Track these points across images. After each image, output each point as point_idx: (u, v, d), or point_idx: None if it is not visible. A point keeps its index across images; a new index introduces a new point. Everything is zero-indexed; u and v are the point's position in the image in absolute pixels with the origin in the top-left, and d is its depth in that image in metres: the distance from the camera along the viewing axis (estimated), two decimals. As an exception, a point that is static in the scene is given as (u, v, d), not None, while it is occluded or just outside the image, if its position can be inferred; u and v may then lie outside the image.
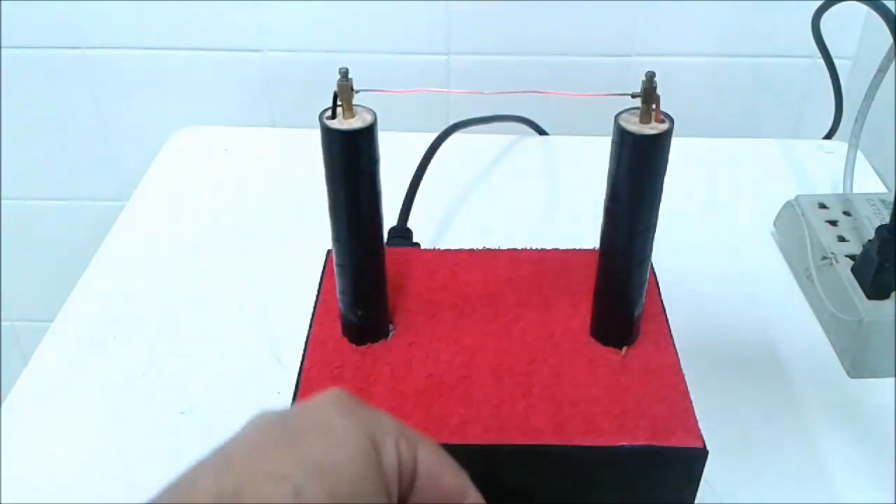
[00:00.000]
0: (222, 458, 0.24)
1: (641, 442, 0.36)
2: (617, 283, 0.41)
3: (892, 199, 0.55)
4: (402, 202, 0.57)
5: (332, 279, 0.42)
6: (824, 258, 0.52)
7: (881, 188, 0.64)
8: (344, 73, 0.37)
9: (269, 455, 0.24)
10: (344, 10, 0.71)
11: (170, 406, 0.47)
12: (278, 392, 0.46)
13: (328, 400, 0.26)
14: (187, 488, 0.23)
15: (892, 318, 0.47)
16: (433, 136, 0.65)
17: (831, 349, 0.51)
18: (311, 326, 0.42)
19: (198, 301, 0.54)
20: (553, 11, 0.70)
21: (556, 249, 0.48)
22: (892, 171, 0.66)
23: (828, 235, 0.54)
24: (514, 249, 0.48)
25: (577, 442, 0.37)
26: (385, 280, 0.42)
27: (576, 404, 0.38)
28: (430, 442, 0.28)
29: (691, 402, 0.38)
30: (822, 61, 0.64)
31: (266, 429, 0.25)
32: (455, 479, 0.28)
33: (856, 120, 0.59)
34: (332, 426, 0.25)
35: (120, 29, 0.72)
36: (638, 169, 0.37)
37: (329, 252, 0.44)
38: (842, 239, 0.53)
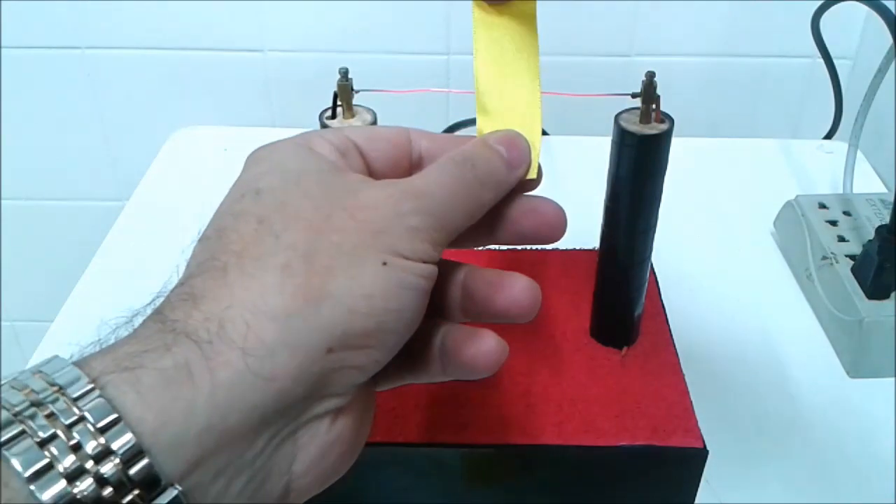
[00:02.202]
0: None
1: (641, 442, 0.36)
2: (617, 283, 0.41)
3: (892, 199, 0.55)
4: (402, 202, 0.57)
5: (332, 279, 0.42)
6: (824, 258, 0.52)
7: (881, 188, 0.64)
8: (344, 73, 0.37)
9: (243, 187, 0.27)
10: (344, 10, 0.71)
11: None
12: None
13: (248, 157, 0.29)
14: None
15: (892, 318, 0.47)
16: (433, 136, 0.65)
17: (831, 349, 0.51)
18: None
19: (198, 301, 0.54)
20: (553, 11, 0.70)
21: (556, 249, 0.48)
22: (892, 171, 0.66)
23: (828, 235, 0.54)
24: (514, 249, 0.48)
25: (576, 442, 0.37)
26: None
27: (576, 404, 0.38)
28: (355, 126, 0.33)
29: (691, 402, 0.38)
30: (822, 61, 0.64)
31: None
32: (389, 129, 0.30)
33: (856, 120, 0.59)
34: (258, 155, 0.28)
35: (120, 29, 0.72)
36: (638, 169, 0.37)
37: (329, 252, 0.44)
38: (842, 239, 0.53)
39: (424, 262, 0.26)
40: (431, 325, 0.29)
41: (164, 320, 0.23)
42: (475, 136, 0.31)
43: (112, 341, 0.24)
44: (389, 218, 0.25)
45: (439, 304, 0.29)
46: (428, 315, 0.27)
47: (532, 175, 0.30)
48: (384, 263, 0.25)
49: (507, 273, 0.29)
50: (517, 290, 0.29)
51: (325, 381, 0.24)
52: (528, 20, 0.32)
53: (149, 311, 0.25)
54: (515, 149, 0.29)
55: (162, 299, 0.25)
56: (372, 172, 0.29)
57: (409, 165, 0.30)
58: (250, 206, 0.26)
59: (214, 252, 0.25)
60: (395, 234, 0.25)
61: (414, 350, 0.28)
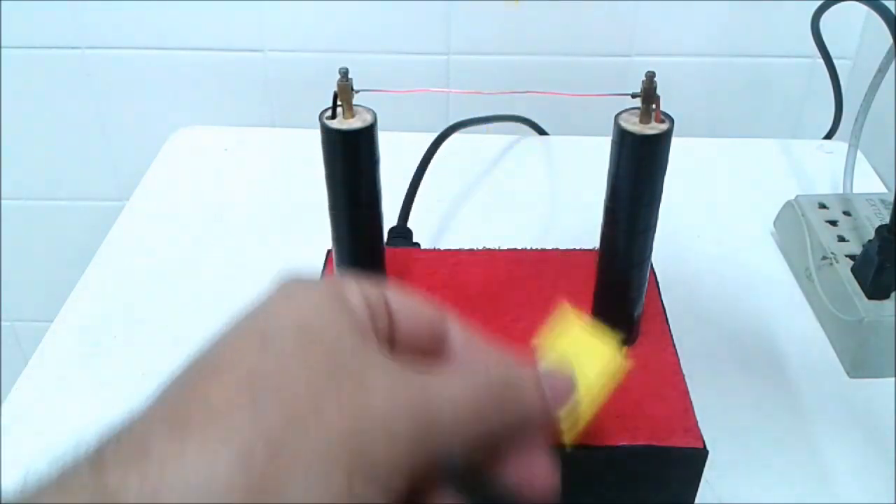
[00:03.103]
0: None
1: (641, 442, 0.36)
2: (617, 283, 0.41)
3: (892, 199, 0.55)
4: (402, 202, 0.57)
5: (332, 279, 0.42)
6: (824, 258, 0.52)
7: (881, 188, 0.64)
8: (344, 73, 0.37)
9: (241, 322, 0.25)
10: (344, 10, 0.71)
11: (170, 406, 0.47)
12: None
13: (280, 283, 0.26)
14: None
15: (892, 318, 0.47)
16: (433, 136, 0.65)
17: (831, 349, 0.51)
18: (311, 326, 0.42)
19: (198, 301, 0.54)
20: (553, 11, 0.70)
21: (556, 249, 0.48)
22: (892, 171, 0.66)
23: (828, 235, 0.54)
24: (514, 249, 0.48)
25: (577, 442, 0.36)
26: (385, 280, 0.42)
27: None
28: (399, 287, 0.29)
29: (691, 402, 0.38)
30: (822, 61, 0.64)
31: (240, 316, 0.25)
32: (429, 307, 0.28)
33: (856, 120, 0.59)
34: (293, 296, 0.25)
35: (120, 29, 0.72)
36: (638, 169, 0.37)
37: (329, 252, 0.44)
38: (842, 239, 0.53)
39: (395, 493, 0.22)
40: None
41: (100, 477, 0.20)
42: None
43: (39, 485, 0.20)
44: (383, 441, 0.22)
45: None
46: None
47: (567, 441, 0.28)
48: (350, 488, 0.21)
49: None
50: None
51: None
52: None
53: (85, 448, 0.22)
54: (562, 401, 0.28)
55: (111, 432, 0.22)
56: (393, 341, 0.27)
57: (435, 351, 0.28)
58: (250, 355, 0.23)
59: (189, 398, 0.22)
60: (381, 458, 0.22)
61: None
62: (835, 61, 0.63)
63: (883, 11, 0.49)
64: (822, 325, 0.52)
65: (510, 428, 0.26)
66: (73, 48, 0.73)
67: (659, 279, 0.46)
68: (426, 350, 0.28)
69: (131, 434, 0.21)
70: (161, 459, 0.20)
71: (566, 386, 0.28)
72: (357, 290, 0.26)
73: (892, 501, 0.42)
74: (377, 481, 0.22)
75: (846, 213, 0.56)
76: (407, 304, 0.27)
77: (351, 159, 0.37)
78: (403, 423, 0.23)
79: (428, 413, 0.23)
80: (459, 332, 0.28)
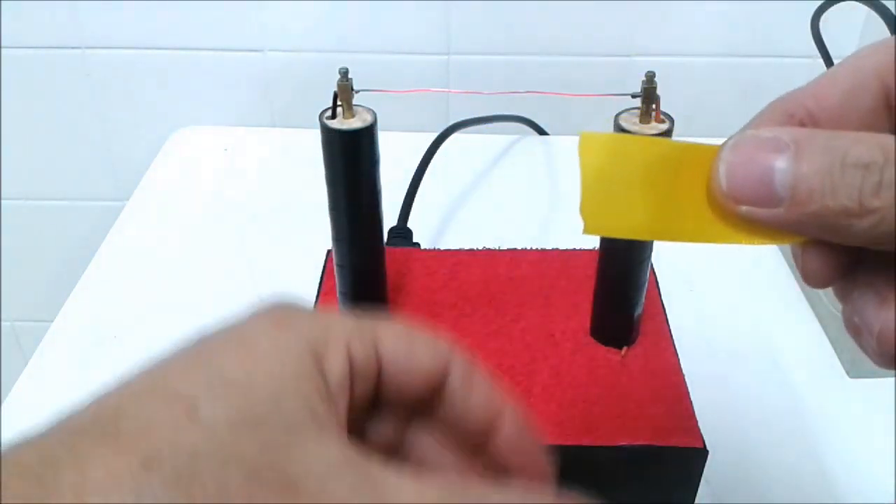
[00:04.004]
0: (125, 381, 0.20)
1: (641, 442, 0.36)
2: (617, 283, 0.41)
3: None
4: (402, 202, 0.57)
5: (332, 279, 0.42)
6: (824, 258, 0.52)
7: (881, 188, 0.64)
8: (344, 73, 0.37)
9: (169, 373, 0.20)
10: (344, 10, 0.71)
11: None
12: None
13: (259, 312, 0.22)
14: (76, 412, 0.20)
15: (892, 318, 0.47)
16: (433, 136, 0.65)
17: (831, 349, 0.51)
18: (311, 326, 0.42)
19: (197, 301, 0.54)
20: (553, 11, 0.70)
21: (556, 249, 0.48)
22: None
23: (828, 235, 0.54)
24: (514, 249, 0.48)
25: (577, 442, 0.37)
26: (385, 280, 0.42)
27: (576, 404, 0.38)
28: (397, 328, 0.23)
29: (691, 402, 0.38)
30: (822, 61, 0.64)
31: (183, 348, 0.21)
32: (429, 356, 0.23)
33: (856, 120, 0.59)
34: (255, 339, 0.21)
35: (120, 29, 0.72)
36: (638, 169, 0.37)
37: (329, 252, 0.44)
38: (842, 239, 0.53)
39: None
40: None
41: None
42: (517, 427, 0.24)
43: None
44: None
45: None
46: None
47: None
48: None
49: None
50: None
51: None
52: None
53: None
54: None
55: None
56: (379, 396, 0.23)
57: (432, 397, 0.24)
58: (164, 427, 0.18)
59: (63, 464, 0.18)
60: None
61: None
62: (835, 61, 0.63)
63: (883, 11, 0.49)
64: (822, 325, 0.52)
65: None
66: (73, 48, 0.73)
67: (659, 279, 0.46)
68: (419, 400, 0.24)
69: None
70: None
71: None
72: (342, 353, 0.21)
73: (893, 502, 0.42)
74: None
75: (846, 213, 0.56)
76: (405, 367, 0.23)
77: (351, 159, 0.37)
78: None
79: None
80: (462, 379, 0.23)
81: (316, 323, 0.22)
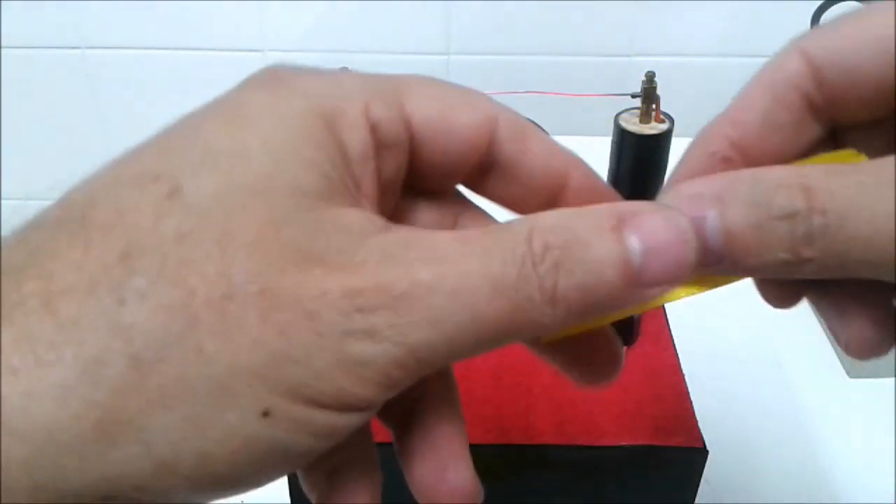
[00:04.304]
0: (94, 172, 0.17)
1: (641, 442, 0.36)
2: (617, 283, 0.41)
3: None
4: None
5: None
6: (824, 258, 0.52)
7: (881, 188, 0.64)
8: (344, 73, 0.37)
9: (144, 155, 0.17)
10: (344, 10, 0.71)
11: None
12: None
13: (251, 78, 0.18)
14: (40, 212, 0.17)
15: (892, 318, 0.47)
16: (433, 136, 0.65)
17: (831, 349, 0.51)
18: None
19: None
20: (553, 11, 0.70)
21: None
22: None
23: (828, 235, 0.53)
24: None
25: (577, 442, 0.37)
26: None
27: (576, 404, 0.38)
28: (426, 82, 0.19)
29: (691, 402, 0.38)
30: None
31: (160, 130, 0.17)
32: (469, 111, 0.19)
33: (856, 120, 0.59)
34: (246, 105, 0.17)
35: (120, 29, 0.72)
36: (638, 169, 0.37)
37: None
38: (842, 239, 0.53)
39: (350, 410, 0.16)
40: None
41: None
42: (587, 175, 0.21)
43: None
44: (326, 337, 0.15)
45: None
46: None
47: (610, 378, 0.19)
48: (265, 413, 0.15)
49: (455, 453, 0.20)
50: (450, 483, 0.19)
51: None
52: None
53: None
54: (661, 254, 0.17)
55: None
56: (415, 170, 0.19)
57: (476, 169, 0.20)
58: (142, 213, 0.15)
59: (25, 267, 0.15)
60: (319, 366, 0.15)
61: None
62: (835, 61, 0.63)
63: (883, 11, 0.49)
64: (822, 326, 0.52)
65: (562, 316, 0.16)
66: (73, 48, 0.73)
67: (659, 279, 0.46)
68: (466, 172, 0.20)
69: None
70: None
71: (675, 249, 0.17)
72: (360, 119, 0.17)
73: (893, 502, 0.42)
74: (301, 409, 0.15)
75: (846, 213, 0.56)
76: (441, 125, 0.19)
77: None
78: (364, 318, 0.15)
79: (406, 297, 0.15)
80: (512, 137, 0.19)
81: (324, 83, 0.18)
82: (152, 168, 0.16)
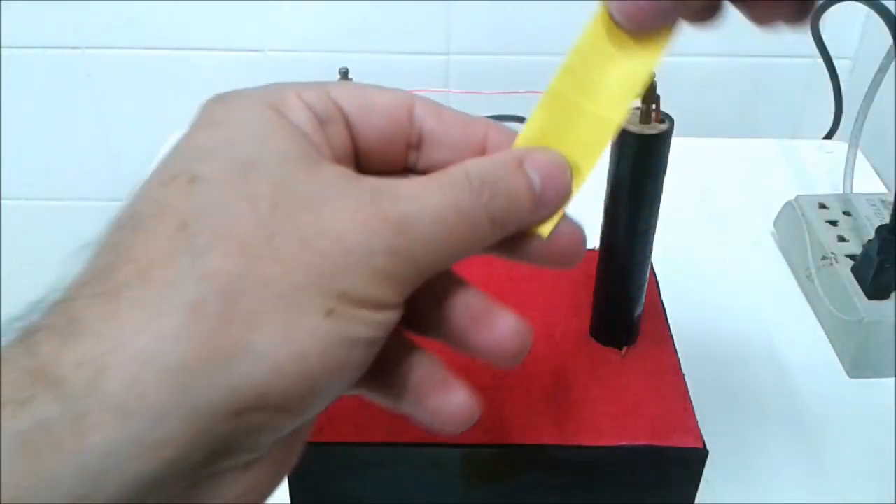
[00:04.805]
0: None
1: (641, 442, 0.36)
2: (617, 283, 0.41)
3: (892, 199, 0.55)
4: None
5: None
6: (824, 258, 0.52)
7: (881, 188, 0.64)
8: (344, 73, 0.37)
9: (154, 175, 0.21)
10: (344, 10, 0.71)
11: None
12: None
13: (204, 106, 0.23)
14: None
15: (892, 318, 0.47)
16: (433, 136, 0.65)
17: (831, 349, 0.51)
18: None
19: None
20: (553, 11, 0.70)
21: (556, 249, 0.48)
22: (892, 171, 0.66)
23: (828, 235, 0.54)
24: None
25: (577, 442, 0.37)
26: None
27: (576, 404, 0.38)
28: (345, 82, 0.26)
29: (691, 402, 0.38)
30: (822, 61, 0.64)
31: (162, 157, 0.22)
32: (384, 94, 0.24)
33: (856, 120, 0.59)
34: (213, 118, 0.22)
35: (120, 29, 0.72)
36: (638, 169, 0.37)
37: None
38: (842, 239, 0.53)
39: (384, 309, 0.21)
40: (401, 343, 0.24)
41: (31, 352, 0.18)
42: (500, 132, 0.25)
43: None
44: (353, 253, 0.20)
45: (413, 318, 0.24)
46: (401, 325, 0.22)
47: (543, 232, 0.24)
48: (329, 313, 0.19)
49: (495, 307, 0.24)
50: (501, 331, 0.23)
51: (230, 443, 0.19)
52: (651, 56, 0.27)
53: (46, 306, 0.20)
54: (554, 184, 0.23)
55: (57, 296, 0.20)
56: (357, 148, 0.24)
57: (406, 145, 0.24)
58: (177, 198, 0.20)
59: (115, 260, 0.19)
60: (354, 276, 0.20)
61: (375, 369, 0.22)
62: (835, 61, 0.63)
63: (883, 11, 0.49)
64: (822, 326, 0.52)
65: (501, 231, 0.23)
66: (73, 48, 0.73)
67: (659, 279, 0.46)
68: (397, 149, 0.24)
69: (59, 309, 0.19)
70: (97, 334, 0.18)
71: (560, 181, 0.23)
72: (297, 101, 0.22)
73: (893, 501, 0.42)
74: (352, 308, 0.20)
75: (846, 213, 0.56)
76: (362, 102, 0.23)
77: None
78: (376, 239, 0.20)
79: (402, 224, 0.20)
80: (428, 115, 0.24)
81: (259, 90, 0.23)
82: (168, 172, 0.21)
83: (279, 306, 0.19)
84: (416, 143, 0.24)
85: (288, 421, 0.20)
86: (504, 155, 0.23)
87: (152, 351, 0.18)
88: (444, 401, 0.24)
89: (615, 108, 0.25)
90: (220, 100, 0.22)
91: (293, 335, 0.19)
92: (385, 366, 0.23)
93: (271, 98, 0.22)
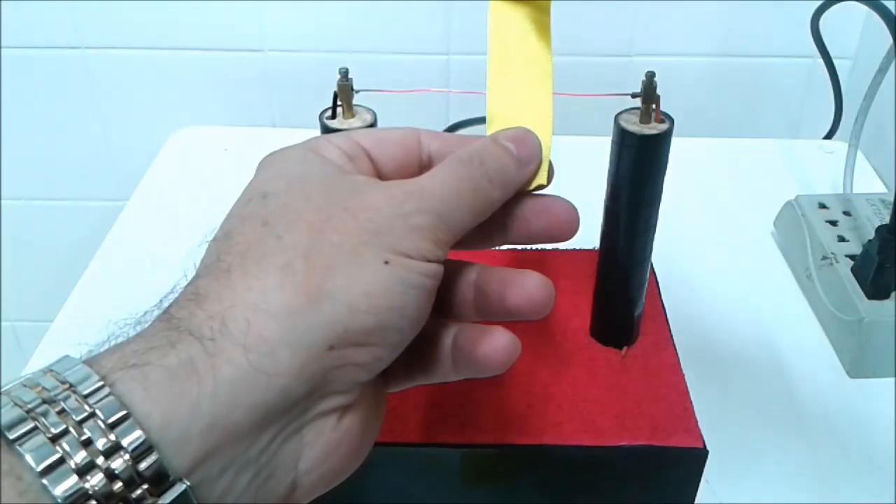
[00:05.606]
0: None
1: (641, 442, 0.36)
2: (617, 283, 0.41)
3: (892, 199, 0.55)
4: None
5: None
6: (824, 258, 0.52)
7: (881, 188, 0.64)
8: (344, 73, 0.37)
9: (234, 204, 0.28)
10: (344, 10, 0.71)
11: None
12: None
13: (260, 163, 0.30)
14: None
15: (892, 318, 0.47)
16: (433, 136, 0.65)
17: (831, 349, 0.51)
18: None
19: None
20: (553, 11, 0.70)
21: (556, 249, 0.48)
22: (892, 171, 0.66)
23: (828, 235, 0.54)
24: (514, 249, 0.48)
25: (576, 442, 0.37)
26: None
27: (576, 404, 0.38)
28: (364, 129, 0.34)
29: (691, 402, 0.38)
30: (822, 61, 0.64)
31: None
32: (396, 132, 0.31)
33: (856, 120, 0.59)
34: (270, 163, 0.29)
35: (120, 29, 0.72)
36: (638, 169, 0.37)
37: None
38: (842, 239, 0.53)
39: (429, 260, 0.26)
40: (441, 325, 0.29)
41: (169, 319, 0.24)
42: (485, 136, 0.31)
43: (120, 340, 0.25)
44: (392, 217, 0.26)
45: (450, 305, 0.30)
46: (438, 315, 0.28)
47: (542, 181, 0.30)
48: (386, 262, 0.25)
49: (519, 270, 0.29)
50: (530, 286, 0.29)
51: (327, 379, 0.24)
52: (542, 17, 0.34)
53: (157, 312, 0.26)
54: (525, 146, 0.30)
55: (170, 300, 0.26)
56: (380, 175, 0.30)
57: (419, 167, 0.30)
58: (256, 209, 0.27)
59: (220, 254, 0.26)
60: (398, 234, 0.26)
61: (424, 351, 0.29)
62: (835, 61, 0.63)
63: (883, 11, 0.49)
64: (822, 325, 0.52)
65: (500, 189, 0.29)
66: (73, 48, 0.73)
67: (659, 279, 0.46)
68: (412, 171, 0.30)
69: (187, 291, 0.25)
70: (218, 298, 0.24)
71: (529, 142, 0.30)
72: (329, 145, 0.29)
73: (893, 501, 0.42)
74: (403, 258, 0.25)
75: (846, 213, 0.56)
76: (378, 137, 0.30)
77: (351, 159, 0.37)
78: (406, 205, 0.26)
79: (422, 191, 0.27)
80: (432, 140, 0.30)
81: (304, 142, 0.29)
82: (245, 198, 0.28)
83: (346, 261, 0.25)
84: (426, 162, 0.30)
85: (367, 356, 0.25)
86: (481, 139, 0.30)
87: (260, 303, 0.24)
88: (490, 345, 0.28)
89: (540, 64, 0.34)
90: (271, 153, 0.29)
91: (360, 279, 0.25)
92: (434, 348, 0.29)
93: (309, 144, 0.29)
